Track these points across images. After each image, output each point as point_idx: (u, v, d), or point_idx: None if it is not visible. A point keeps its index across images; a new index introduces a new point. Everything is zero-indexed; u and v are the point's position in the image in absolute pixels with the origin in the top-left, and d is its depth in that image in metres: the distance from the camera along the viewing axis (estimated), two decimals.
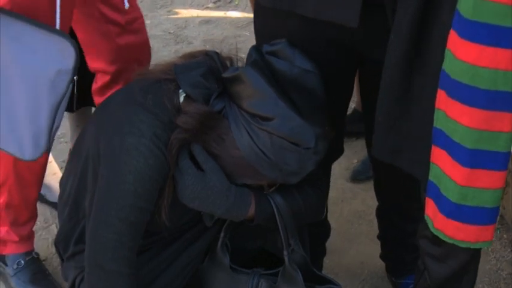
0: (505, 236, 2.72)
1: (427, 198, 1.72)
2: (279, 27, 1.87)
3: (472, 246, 1.70)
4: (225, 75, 1.77)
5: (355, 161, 3.05)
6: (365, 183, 2.96)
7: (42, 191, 2.78)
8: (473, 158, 1.58)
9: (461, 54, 1.53)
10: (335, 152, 2.15)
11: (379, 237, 2.48)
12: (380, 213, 2.44)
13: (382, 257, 2.49)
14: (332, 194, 2.24)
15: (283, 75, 1.74)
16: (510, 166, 2.64)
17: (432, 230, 1.71)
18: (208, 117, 1.75)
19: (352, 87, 2.05)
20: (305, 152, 1.73)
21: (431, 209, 1.71)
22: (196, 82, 1.78)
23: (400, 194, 2.24)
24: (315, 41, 1.83)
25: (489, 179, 1.60)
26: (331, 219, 2.44)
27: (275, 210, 1.86)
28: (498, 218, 2.71)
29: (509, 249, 2.67)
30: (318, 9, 1.78)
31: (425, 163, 1.69)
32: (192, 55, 1.90)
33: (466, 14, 1.50)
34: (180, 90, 1.80)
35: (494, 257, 2.64)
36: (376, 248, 2.58)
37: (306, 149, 1.73)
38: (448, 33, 1.56)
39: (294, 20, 1.83)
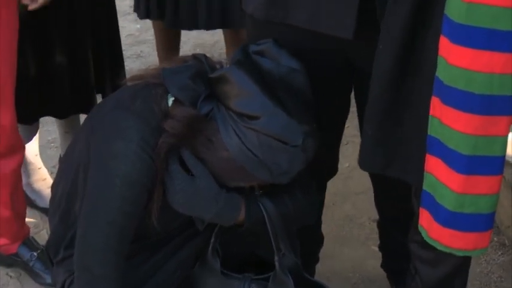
0: (495, 239, 2.72)
1: (421, 208, 1.70)
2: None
3: (468, 254, 1.69)
4: (211, 75, 1.77)
5: (346, 165, 3.06)
6: (355, 187, 2.97)
7: (32, 197, 2.78)
8: (470, 165, 1.57)
9: (455, 59, 1.52)
10: (329, 171, 2.15)
11: (379, 247, 2.47)
12: (380, 225, 2.43)
13: (383, 266, 2.49)
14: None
15: (269, 74, 1.74)
16: None
17: (427, 239, 1.69)
18: (195, 120, 1.75)
19: (349, 105, 2.03)
20: (293, 149, 1.73)
21: (425, 219, 1.70)
22: (184, 85, 1.78)
23: (400, 207, 2.23)
24: (309, 52, 1.82)
25: (486, 185, 1.59)
26: (322, 223, 2.44)
27: (265, 215, 1.86)
28: None
29: (499, 252, 2.68)
30: (313, 20, 1.78)
31: (419, 169, 1.68)
32: (181, 59, 1.90)
33: (457, 19, 1.49)
34: (169, 94, 1.80)
35: (485, 260, 2.65)
36: (367, 251, 2.59)
37: (293, 147, 1.72)
38: (438, 40, 1.56)
39: (288, 32, 1.83)
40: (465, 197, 1.60)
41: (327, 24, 1.76)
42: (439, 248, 1.68)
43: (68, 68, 2.49)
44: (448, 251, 1.68)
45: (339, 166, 2.86)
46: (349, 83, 1.98)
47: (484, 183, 1.59)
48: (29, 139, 2.66)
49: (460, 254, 1.68)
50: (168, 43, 3.13)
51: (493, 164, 1.58)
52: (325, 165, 1.80)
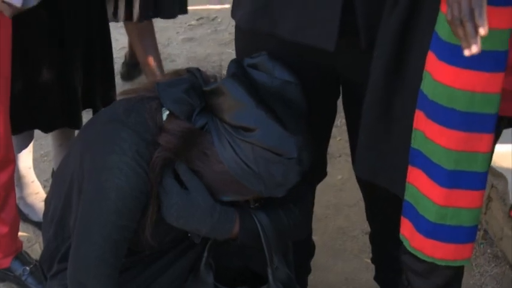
0: (488, 250, 2.73)
1: (402, 218, 1.72)
2: (259, 50, 1.88)
3: (450, 264, 1.71)
4: (206, 88, 1.78)
5: (339, 177, 3.06)
6: (348, 200, 2.97)
7: (25, 210, 2.77)
8: (452, 179, 1.58)
9: (439, 76, 1.54)
10: (318, 174, 2.16)
11: (372, 260, 2.48)
12: (372, 237, 2.44)
13: (376, 279, 2.49)
14: (316, 210, 2.24)
15: (263, 86, 1.75)
16: (494, 182, 2.67)
17: (409, 249, 1.71)
18: (190, 134, 1.75)
19: (335, 110, 2.06)
20: (288, 162, 1.73)
21: (407, 229, 1.71)
22: (178, 98, 1.78)
23: (391, 221, 2.24)
24: (295, 63, 1.83)
25: (468, 199, 1.60)
26: (315, 236, 2.45)
27: (259, 228, 1.86)
28: (482, 233, 2.74)
29: (493, 264, 2.68)
30: (296, 32, 1.80)
31: (404, 180, 1.70)
32: (175, 73, 1.91)
33: (443, 36, 1.51)
34: (163, 108, 1.80)
35: (478, 272, 2.65)
36: (360, 264, 2.59)
37: (288, 159, 1.73)
38: (426, 54, 1.57)
39: (274, 43, 1.85)
40: (447, 210, 1.61)
41: (310, 35, 1.79)
42: (421, 257, 1.70)
43: (55, 83, 2.49)
44: (431, 260, 1.70)
45: (332, 179, 2.87)
46: (336, 90, 2.00)
47: (465, 197, 1.60)
48: (19, 150, 2.66)
49: (442, 263, 1.70)
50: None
51: (474, 179, 1.59)
52: (313, 167, 1.81)
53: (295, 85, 1.78)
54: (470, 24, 1.34)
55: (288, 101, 1.76)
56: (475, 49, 1.34)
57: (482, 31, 1.32)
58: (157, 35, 4.12)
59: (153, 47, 3.36)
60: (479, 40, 1.34)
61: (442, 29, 1.51)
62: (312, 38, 1.79)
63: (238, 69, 1.77)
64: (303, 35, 1.80)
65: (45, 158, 3.16)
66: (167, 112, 1.80)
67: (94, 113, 2.60)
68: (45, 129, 2.65)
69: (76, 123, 2.59)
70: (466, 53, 1.35)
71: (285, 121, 1.72)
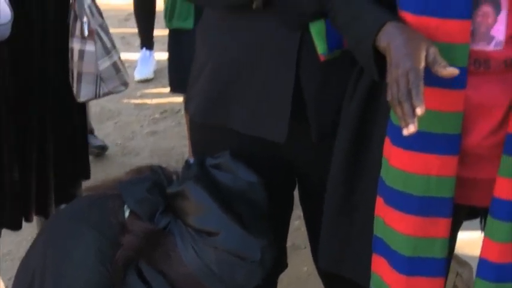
0: None
1: None
2: (214, 142, 1.91)
3: None
4: (169, 190, 1.79)
5: (305, 269, 3.05)
6: None
7: None
8: (411, 266, 1.58)
9: (394, 161, 1.56)
10: (278, 266, 2.15)
11: None
12: None
13: None
14: None
15: (227, 188, 1.77)
16: (459, 270, 2.66)
17: None
18: (153, 235, 1.75)
19: (292, 201, 2.07)
20: (251, 265, 1.73)
21: None
22: (141, 198, 1.79)
23: None
24: (250, 155, 1.87)
25: (428, 286, 1.60)
26: None
27: None
28: None
29: None
30: (247, 125, 1.84)
31: (369, 270, 1.70)
32: (138, 170, 1.92)
33: (397, 122, 1.54)
34: (125, 206, 1.80)
35: None
36: None
37: (252, 263, 1.73)
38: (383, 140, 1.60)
39: (228, 135, 1.88)
40: None
41: (261, 128, 1.82)
42: None
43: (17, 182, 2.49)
44: None
45: (297, 270, 2.85)
46: (292, 181, 2.02)
47: (425, 285, 1.60)
48: None
49: None
50: None
51: (433, 266, 1.59)
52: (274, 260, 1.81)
53: (259, 185, 1.80)
54: (408, 104, 1.37)
55: (251, 201, 1.77)
56: (412, 128, 1.36)
57: (419, 111, 1.35)
58: (121, 129, 4.17)
59: None
60: (416, 120, 1.37)
61: (394, 114, 1.55)
62: (263, 131, 1.82)
63: (201, 171, 1.79)
64: (254, 128, 1.83)
65: (7, 257, 3.11)
66: (129, 210, 1.80)
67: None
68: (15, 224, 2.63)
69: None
70: (405, 132, 1.37)
71: (248, 223, 1.73)
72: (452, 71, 1.38)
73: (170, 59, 3.35)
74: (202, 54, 1.93)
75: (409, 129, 1.37)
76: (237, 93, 1.84)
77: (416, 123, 1.36)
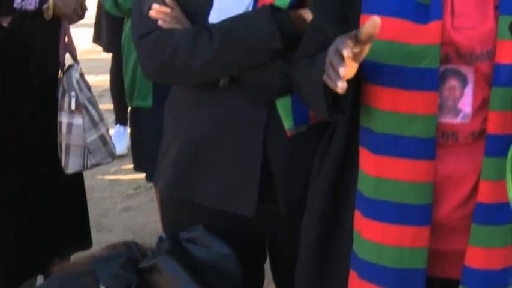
0: None
1: None
2: (185, 216, 1.91)
3: None
4: (142, 265, 1.79)
5: None
6: None
7: None
8: None
9: (367, 233, 1.56)
10: None
11: None
12: None
13: None
14: None
15: (201, 261, 1.77)
16: None
17: None
18: None
19: (263, 273, 2.06)
20: None
21: None
22: (115, 274, 1.78)
23: None
24: (220, 228, 1.87)
25: None
26: None
27: None
28: None
29: None
30: (216, 199, 1.86)
31: None
32: (112, 247, 1.91)
33: (368, 194, 1.56)
34: (100, 283, 1.79)
35: None
36: None
37: None
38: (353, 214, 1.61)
39: (198, 209, 1.89)
40: None
41: (230, 202, 1.84)
42: None
43: None
44: None
45: None
46: (263, 253, 2.03)
47: None
48: None
49: None
50: None
51: None
52: None
53: (232, 257, 1.80)
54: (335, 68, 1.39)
55: (224, 274, 1.78)
56: (340, 84, 1.37)
57: (342, 71, 1.36)
58: (94, 206, 4.14)
59: None
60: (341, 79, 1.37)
61: (364, 186, 1.56)
62: (232, 205, 1.84)
63: (174, 245, 1.80)
64: (223, 202, 1.85)
65: None
66: (104, 286, 1.78)
67: None
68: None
69: None
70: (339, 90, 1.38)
71: None
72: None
73: (131, 137, 3.38)
74: (171, 130, 1.95)
75: (339, 85, 1.37)
76: (205, 169, 1.86)
77: (343, 83, 1.37)
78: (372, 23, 1.34)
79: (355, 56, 1.38)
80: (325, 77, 1.42)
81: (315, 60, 1.55)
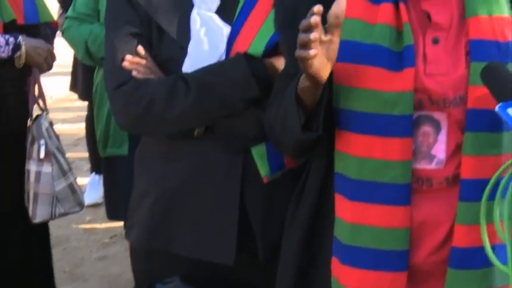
0: None
1: None
2: (159, 268, 1.90)
3: None
4: None
5: None
6: None
7: None
8: None
9: (345, 280, 1.56)
10: None
11: None
12: None
13: None
14: None
15: None
16: None
17: None
18: None
19: None
20: None
21: None
22: None
23: None
24: (197, 278, 1.86)
25: None
26: None
27: None
28: None
29: None
30: (194, 249, 1.85)
31: None
32: None
33: (344, 240, 1.55)
34: None
35: None
36: None
37: None
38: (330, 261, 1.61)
39: (173, 259, 1.87)
40: None
41: (208, 252, 1.83)
42: None
43: None
44: None
45: None
46: None
47: None
48: None
49: None
50: None
51: None
52: None
53: None
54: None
55: None
56: (312, 52, 1.37)
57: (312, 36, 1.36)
58: (70, 255, 4.10)
59: None
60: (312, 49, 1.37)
61: (341, 233, 1.56)
62: (210, 255, 1.83)
63: None
64: (201, 252, 1.84)
65: None
66: None
67: None
68: None
69: None
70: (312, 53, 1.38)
71: None
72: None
73: (105, 185, 3.35)
74: (143, 183, 1.93)
75: (311, 52, 1.37)
76: (181, 218, 1.85)
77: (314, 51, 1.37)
78: (338, 3, 1.37)
79: (326, 50, 1.40)
80: (297, 53, 1.41)
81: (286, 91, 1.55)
